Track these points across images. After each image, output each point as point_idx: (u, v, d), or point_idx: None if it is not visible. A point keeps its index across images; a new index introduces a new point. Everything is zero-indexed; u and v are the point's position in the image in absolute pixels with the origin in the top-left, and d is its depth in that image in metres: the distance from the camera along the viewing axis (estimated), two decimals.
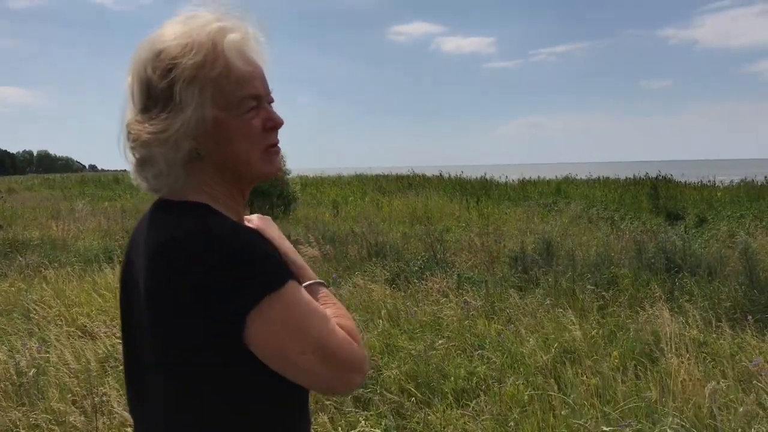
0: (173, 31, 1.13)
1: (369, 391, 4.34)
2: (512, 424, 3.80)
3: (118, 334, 5.33)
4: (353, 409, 4.14)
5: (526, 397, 4.11)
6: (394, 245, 9.75)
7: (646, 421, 3.58)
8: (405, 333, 5.53)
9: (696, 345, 4.82)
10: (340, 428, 3.87)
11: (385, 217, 15.58)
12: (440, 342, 5.24)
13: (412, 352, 4.96)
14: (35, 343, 5.14)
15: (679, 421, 3.50)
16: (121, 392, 4.18)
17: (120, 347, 4.93)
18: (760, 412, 3.71)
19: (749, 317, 5.46)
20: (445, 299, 6.63)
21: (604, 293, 6.52)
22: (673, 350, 4.60)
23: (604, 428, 3.43)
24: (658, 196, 16.96)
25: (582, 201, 18.05)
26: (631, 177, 24.99)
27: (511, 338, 5.22)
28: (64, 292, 6.95)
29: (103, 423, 3.82)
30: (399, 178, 28.97)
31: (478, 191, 22.06)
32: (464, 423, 3.88)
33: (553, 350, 4.85)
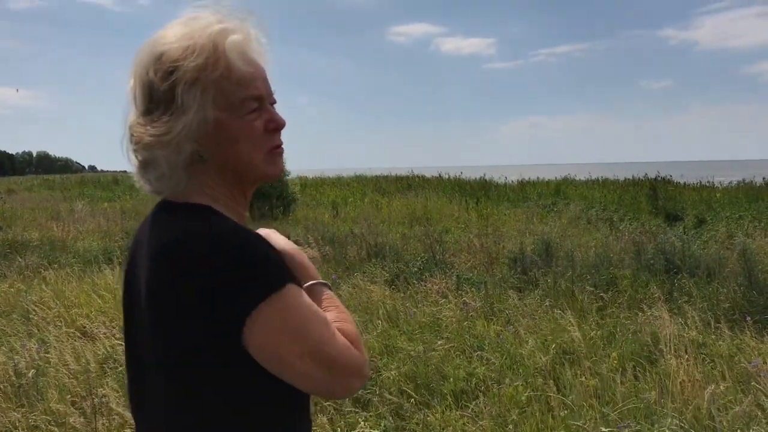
0: (174, 33, 1.13)
1: (368, 392, 4.35)
2: (511, 425, 3.80)
3: (118, 335, 5.34)
4: (353, 410, 4.15)
5: (525, 398, 4.12)
6: (393, 246, 9.75)
7: (645, 422, 3.59)
8: (404, 334, 5.53)
9: (695, 346, 4.83)
10: (339, 429, 3.88)
11: (384, 218, 15.58)
12: (439, 343, 5.24)
13: (412, 353, 4.96)
14: (35, 344, 5.14)
15: (678, 422, 3.50)
16: (120, 393, 4.18)
17: (119, 348, 4.95)
18: (759, 413, 3.71)
19: (748, 318, 5.46)
20: (444, 300, 6.63)
21: (603, 294, 6.53)
22: (672, 351, 4.61)
23: (603, 429, 3.43)
24: (657, 197, 16.96)
25: (581, 202, 18.05)
26: (630, 178, 24.98)
27: (510, 339, 5.22)
28: (63, 293, 6.95)
29: (103, 424, 3.83)
30: (398, 179, 28.94)
31: (478, 192, 22.05)
32: (463, 424, 3.89)
33: (552, 351, 4.85)
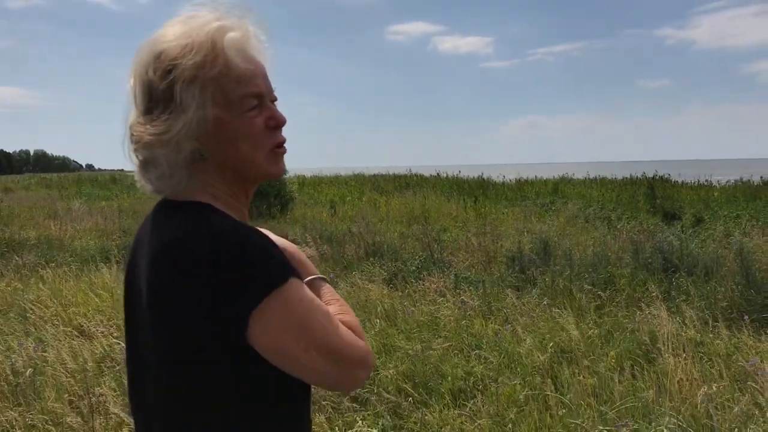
0: (173, 32, 1.13)
1: (366, 391, 4.34)
2: (509, 424, 3.80)
3: (115, 334, 5.34)
4: (351, 405, 4.15)
5: (522, 397, 4.12)
6: (391, 245, 9.75)
7: (642, 420, 3.59)
8: (402, 333, 5.53)
9: (693, 345, 4.83)
10: (337, 428, 3.88)
11: (382, 216, 15.58)
12: (437, 342, 5.24)
13: (410, 351, 4.96)
14: (32, 343, 5.13)
15: (675, 420, 3.50)
16: (117, 392, 4.18)
17: (117, 347, 4.95)
18: (756, 411, 3.71)
19: (745, 317, 5.47)
20: (442, 299, 6.63)
21: (601, 293, 6.53)
22: (670, 350, 4.61)
23: (601, 428, 3.43)
24: (654, 195, 16.98)
25: (579, 201, 18.05)
26: (628, 177, 25.01)
27: (508, 338, 5.22)
28: (60, 292, 6.94)
29: (100, 423, 3.82)
30: (396, 178, 28.94)
31: (476, 191, 22.06)
32: (461, 423, 3.89)
33: (549, 350, 4.85)
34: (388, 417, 4.01)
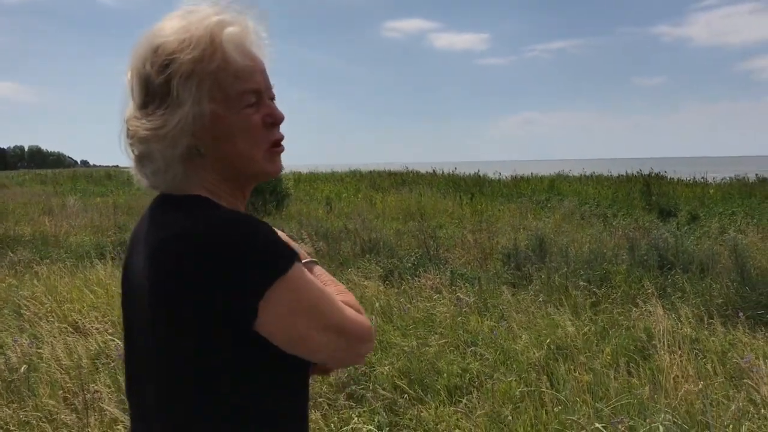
0: (172, 26, 1.12)
1: (362, 388, 4.34)
2: (505, 420, 3.80)
3: (110, 331, 5.33)
4: (346, 402, 4.14)
5: (518, 393, 4.12)
6: (387, 242, 9.75)
7: (638, 417, 3.59)
8: (398, 329, 5.53)
9: (688, 342, 4.84)
10: (332, 425, 3.87)
11: (378, 213, 15.57)
12: (433, 338, 5.24)
13: (405, 348, 4.96)
14: (26, 340, 5.12)
15: (671, 417, 3.51)
16: (112, 389, 4.17)
17: (112, 344, 4.94)
18: (751, 408, 3.72)
19: (741, 314, 5.48)
20: (438, 296, 6.63)
21: (596, 290, 6.54)
22: (666, 347, 4.62)
23: (597, 424, 3.43)
24: (650, 193, 17.02)
25: (575, 198, 18.09)
26: (624, 174, 25.06)
27: (503, 335, 5.22)
28: (55, 289, 6.92)
29: (95, 420, 3.81)
30: (392, 175, 28.96)
31: (472, 188, 22.08)
32: (457, 420, 3.89)
33: (545, 347, 4.85)
34: (384, 413, 4.01)
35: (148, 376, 1.14)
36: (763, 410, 3.63)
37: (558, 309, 5.88)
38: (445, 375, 4.50)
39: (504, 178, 26.44)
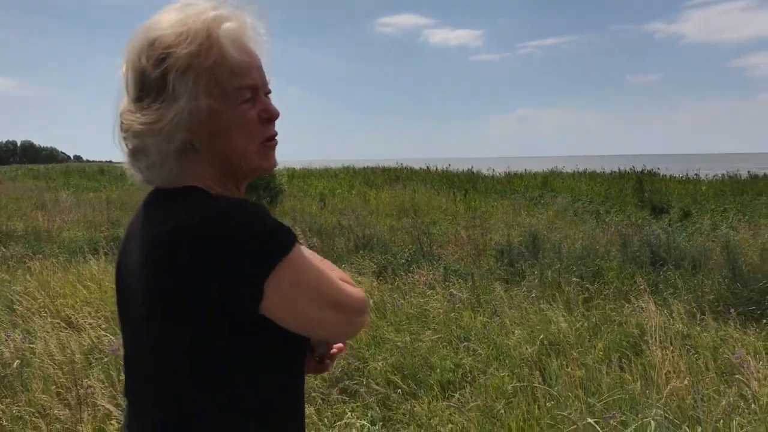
0: (168, 19, 1.12)
1: (355, 383, 4.35)
2: (498, 415, 3.82)
3: (104, 326, 5.32)
4: (340, 397, 4.15)
5: (511, 388, 4.14)
6: (381, 238, 9.76)
7: (630, 412, 3.61)
8: (392, 325, 5.54)
9: (680, 338, 4.87)
10: (326, 419, 3.88)
11: (372, 209, 15.58)
12: (426, 334, 5.25)
13: (399, 344, 4.97)
14: (19, 335, 5.10)
15: (662, 412, 3.53)
16: (106, 384, 4.17)
17: (105, 339, 4.93)
18: (741, 403, 3.75)
19: (732, 310, 5.51)
20: (431, 291, 6.64)
21: (589, 286, 6.56)
22: (658, 343, 4.64)
23: (589, 419, 3.45)
24: (643, 189, 17.07)
25: (568, 194, 18.12)
26: (617, 171, 25.11)
27: (496, 330, 5.24)
28: (48, 284, 6.90)
29: (88, 415, 3.80)
30: (386, 171, 28.93)
31: (466, 184, 22.09)
32: (450, 414, 3.90)
33: (538, 342, 4.87)
34: (377, 408, 4.02)
35: (143, 371, 1.14)
36: (753, 405, 3.65)
37: (551, 305, 5.90)
38: (438, 370, 4.51)
39: (497, 174, 26.44)
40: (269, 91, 1.21)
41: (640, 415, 3.49)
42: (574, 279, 6.73)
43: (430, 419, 3.88)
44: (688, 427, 3.38)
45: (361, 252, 8.87)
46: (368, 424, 3.79)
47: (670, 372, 4.16)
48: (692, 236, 9.49)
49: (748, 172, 23.03)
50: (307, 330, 1.14)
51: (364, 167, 32.04)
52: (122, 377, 4.16)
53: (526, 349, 4.74)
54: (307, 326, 1.13)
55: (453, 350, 4.96)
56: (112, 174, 32.03)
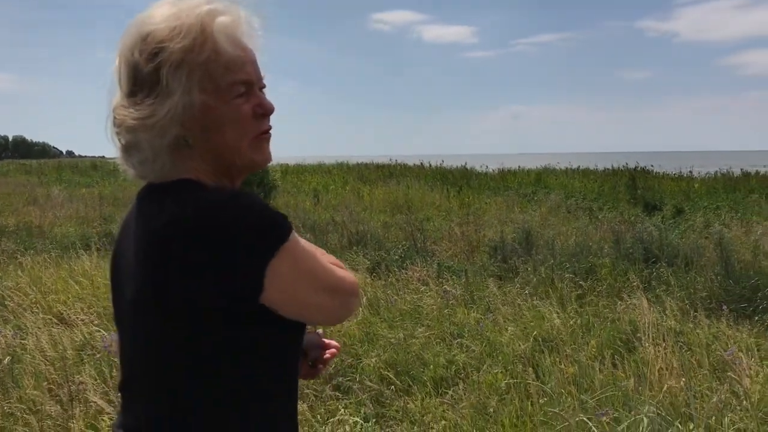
0: (162, 13, 1.10)
1: (348, 380, 4.35)
2: (490, 411, 3.82)
3: (96, 322, 5.30)
4: (333, 393, 4.15)
5: (504, 385, 4.14)
6: (374, 234, 9.75)
7: (622, 409, 3.62)
8: (385, 321, 5.54)
9: (673, 334, 4.88)
10: (319, 416, 3.87)
11: (365, 205, 15.58)
12: (420, 330, 5.25)
13: (392, 340, 4.97)
14: (10, 331, 5.07)
15: (654, 409, 3.54)
16: (98, 380, 4.15)
17: (97, 335, 4.91)
18: (733, 400, 3.76)
19: (724, 307, 5.54)
20: (425, 288, 6.64)
21: (582, 283, 6.58)
22: (650, 339, 4.65)
23: (582, 416, 3.46)
24: (636, 186, 17.11)
25: (561, 191, 18.15)
26: (610, 168, 25.18)
27: (490, 327, 5.24)
28: (40, 279, 6.86)
29: (80, 411, 3.79)
30: (380, 167, 28.93)
31: (459, 181, 22.11)
32: (443, 411, 3.90)
33: (531, 339, 4.88)
34: (371, 405, 4.02)
35: (139, 367, 1.14)
36: (745, 402, 3.66)
37: (544, 301, 5.91)
38: (431, 367, 4.51)
39: (491, 171, 26.48)
40: (264, 86, 1.20)
41: (632, 412, 3.51)
42: (567, 276, 6.74)
43: (423, 416, 3.89)
44: (680, 423, 3.39)
45: (354, 248, 8.86)
46: (361, 421, 3.79)
47: (662, 369, 4.17)
48: (685, 233, 9.52)
49: (741, 169, 23.13)
50: (304, 316, 1.15)
51: (357, 163, 32.03)
52: (115, 373, 4.15)
53: (519, 345, 4.75)
54: (304, 312, 1.13)
55: (446, 347, 4.96)
56: (105, 169, 31.89)
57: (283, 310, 1.08)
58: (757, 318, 5.51)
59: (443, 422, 3.75)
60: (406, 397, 4.15)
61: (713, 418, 3.45)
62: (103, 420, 3.67)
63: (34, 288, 6.51)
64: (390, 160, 31.41)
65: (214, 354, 1.07)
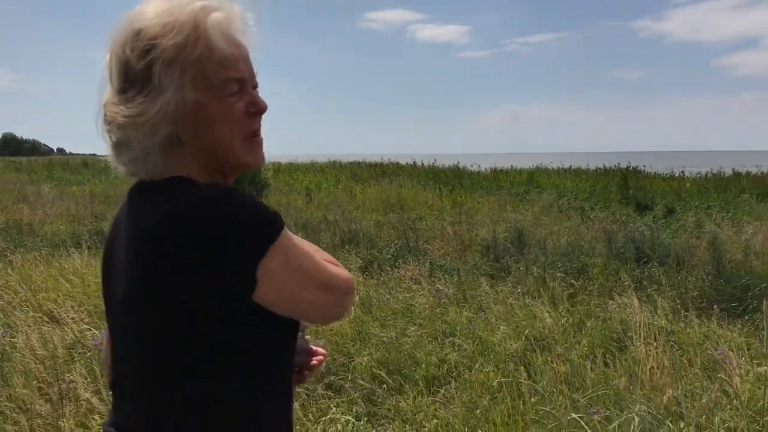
0: (154, 9, 1.09)
1: (340, 378, 4.35)
2: (482, 410, 3.82)
3: (86, 320, 5.27)
4: (325, 392, 4.14)
5: (495, 384, 4.15)
6: (367, 233, 9.75)
7: (614, 408, 3.63)
8: (377, 320, 5.54)
9: (664, 334, 4.90)
10: (311, 415, 3.87)
11: (358, 204, 15.56)
12: (412, 329, 5.25)
13: (384, 339, 4.97)
14: (0, 329, 5.04)
15: (646, 408, 3.55)
16: (88, 379, 4.13)
17: (88, 333, 4.89)
18: (724, 399, 3.78)
19: (715, 306, 5.56)
20: (417, 287, 6.64)
21: (574, 282, 6.59)
22: (642, 339, 4.67)
23: (573, 415, 3.46)
24: (627, 186, 17.18)
25: (553, 191, 18.19)
26: (602, 167, 25.26)
27: (482, 326, 5.25)
28: (30, 278, 6.82)
29: (70, 410, 3.77)
30: (373, 166, 28.92)
31: (452, 180, 22.12)
32: (435, 410, 3.90)
33: (523, 338, 4.89)
34: (362, 404, 4.02)
35: (131, 365, 1.13)
36: (735, 401, 3.68)
37: (536, 300, 5.92)
38: (423, 365, 4.51)
39: (484, 170, 26.52)
40: (257, 84, 1.18)
41: (624, 411, 3.51)
42: (559, 275, 6.75)
43: (415, 414, 3.88)
44: (671, 422, 3.39)
45: (347, 247, 8.86)
46: (353, 420, 3.78)
47: (653, 368, 4.18)
48: (676, 233, 9.56)
49: (732, 169, 23.25)
50: (298, 313, 1.13)
51: (350, 162, 32.00)
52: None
53: (511, 344, 4.76)
54: (298, 310, 1.12)
55: (438, 345, 4.97)
56: (96, 167, 31.74)
57: (276, 308, 1.08)
58: (747, 317, 5.54)
59: (435, 421, 3.75)
60: (398, 396, 4.15)
61: (704, 416, 3.46)
62: (93, 419, 3.65)
63: (24, 286, 6.47)
64: (382, 158, 31.41)
65: (208, 352, 1.06)
